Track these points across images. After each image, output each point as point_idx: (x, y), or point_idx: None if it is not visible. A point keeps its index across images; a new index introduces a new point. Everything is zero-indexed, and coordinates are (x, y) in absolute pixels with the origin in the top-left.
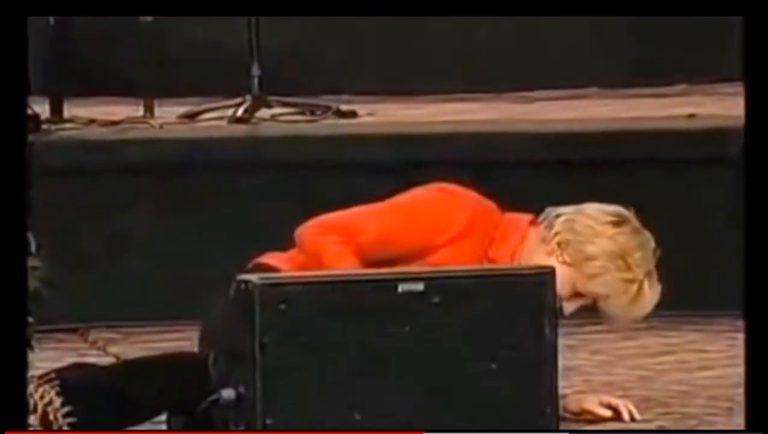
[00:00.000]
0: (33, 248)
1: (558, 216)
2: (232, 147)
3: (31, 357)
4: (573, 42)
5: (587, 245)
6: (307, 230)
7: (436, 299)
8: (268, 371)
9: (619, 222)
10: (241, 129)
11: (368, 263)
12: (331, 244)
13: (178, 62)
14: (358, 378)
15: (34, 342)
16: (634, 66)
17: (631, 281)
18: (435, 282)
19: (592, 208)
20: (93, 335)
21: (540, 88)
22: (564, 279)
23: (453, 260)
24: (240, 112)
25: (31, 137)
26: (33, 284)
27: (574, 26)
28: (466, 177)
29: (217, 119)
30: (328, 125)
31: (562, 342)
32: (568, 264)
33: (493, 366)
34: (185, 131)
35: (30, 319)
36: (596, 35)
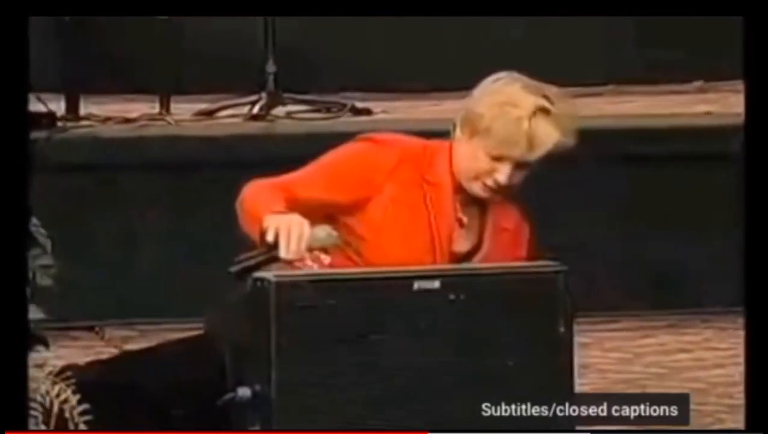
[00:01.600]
0: (47, 246)
1: (462, 110)
2: (248, 144)
3: (47, 354)
4: (588, 40)
5: (476, 107)
6: (243, 192)
7: (452, 297)
8: (284, 369)
9: (499, 78)
10: (256, 126)
11: (305, 212)
12: (262, 192)
13: (193, 60)
14: (375, 376)
15: (49, 340)
16: (650, 64)
17: (519, 119)
18: (451, 280)
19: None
20: (109, 332)
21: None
22: (475, 151)
23: (393, 197)
24: (256, 109)
25: (46, 134)
26: (46, 282)
27: (587, 24)
28: None
29: (233, 116)
30: (343, 122)
31: (576, 340)
32: (471, 135)
33: (510, 363)
34: (201, 128)
35: (45, 316)
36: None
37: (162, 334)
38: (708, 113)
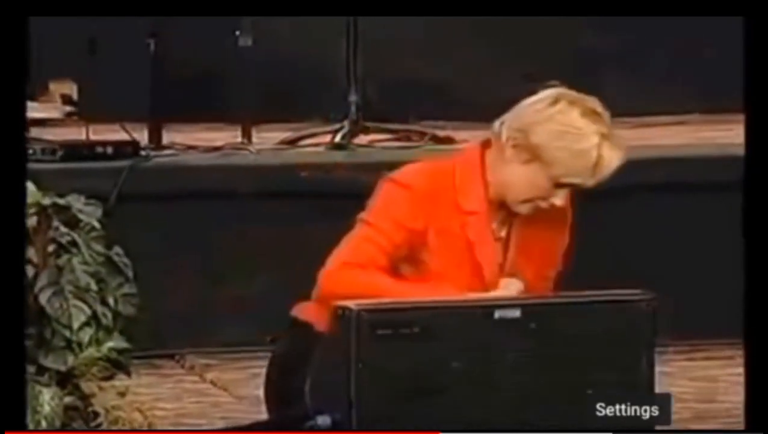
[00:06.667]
0: (130, 274)
1: (502, 123)
2: (331, 173)
3: (129, 382)
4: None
5: (532, 136)
6: (324, 281)
7: (533, 326)
8: (364, 398)
9: (553, 102)
10: (339, 155)
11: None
12: (357, 277)
13: (276, 88)
14: (455, 406)
15: (131, 369)
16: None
17: (587, 150)
18: (532, 308)
19: (526, 102)
20: (189, 361)
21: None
22: (534, 177)
23: (440, 234)
24: (338, 138)
25: (129, 163)
26: (129, 310)
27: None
28: None
29: (316, 145)
30: (425, 151)
31: (659, 369)
32: (529, 161)
33: (590, 392)
34: (284, 156)
35: (127, 345)
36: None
37: (242, 362)
38: None
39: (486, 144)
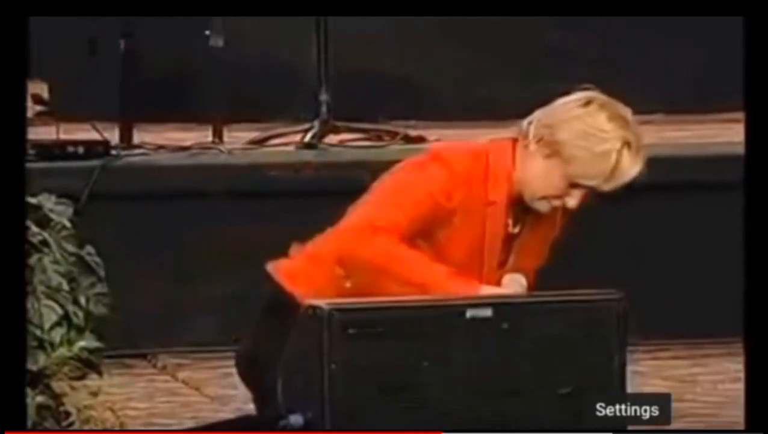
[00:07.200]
0: (102, 274)
1: (530, 121)
2: (300, 172)
3: (101, 382)
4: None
5: (558, 132)
6: (351, 236)
7: (504, 325)
8: (336, 397)
9: (584, 103)
10: (309, 154)
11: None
12: (402, 255)
13: (246, 88)
14: (427, 405)
15: (103, 368)
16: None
17: (607, 153)
18: (503, 308)
19: (559, 100)
20: (161, 360)
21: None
22: (551, 174)
23: (465, 217)
24: (308, 137)
25: (100, 163)
26: (101, 310)
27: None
28: None
29: (285, 144)
30: (396, 151)
31: (631, 368)
32: (549, 156)
33: (561, 391)
34: (254, 156)
35: (99, 345)
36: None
37: (215, 362)
38: None
39: (516, 139)
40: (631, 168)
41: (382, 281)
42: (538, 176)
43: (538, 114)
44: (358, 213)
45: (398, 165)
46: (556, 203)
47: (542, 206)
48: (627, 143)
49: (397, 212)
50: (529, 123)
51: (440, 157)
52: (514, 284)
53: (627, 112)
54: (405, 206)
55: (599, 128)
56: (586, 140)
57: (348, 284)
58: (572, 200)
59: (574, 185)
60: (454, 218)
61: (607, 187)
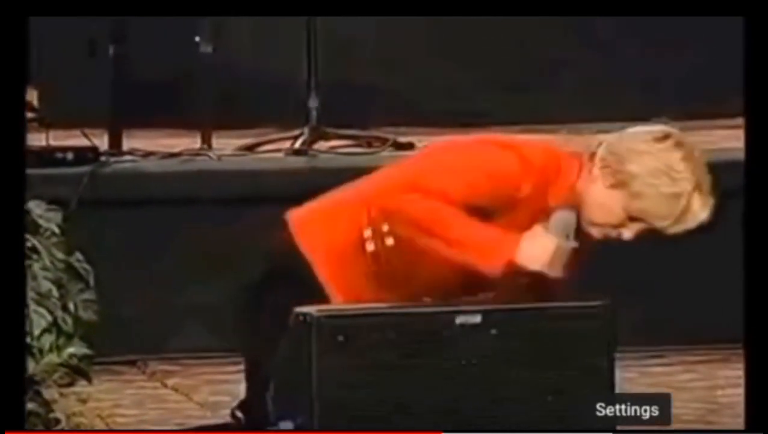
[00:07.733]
0: (90, 280)
1: (600, 144)
2: (290, 179)
3: (90, 389)
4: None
5: (628, 164)
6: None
7: (493, 332)
8: (326, 403)
9: (660, 138)
10: (298, 161)
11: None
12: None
13: (235, 94)
14: (415, 411)
15: (92, 374)
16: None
17: (678, 195)
18: (492, 315)
19: (632, 129)
20: (151, 367)
21: (602, 121)
22: (612, 203)
23: (524, 209)
24: (298, 144)
25: (90, 169)
26: (89, 316)
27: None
28: None
29: (275, 151)
30: (386, 157)
31: (620, 374)
32: (613, 187)
33: (550, 398)
34: (243, 162)
35: (88, 352)
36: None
37: (205, 368)
38: None
39: (581, 155)
40: (700, 212)
41: (423, 242)
42: (596, 203)
43: (609, 138)
44: (410, 175)
45: (446, 143)
46: (612, 232)
47: (595, 232)
48: (699, 186)
49: (459, 185)
50: (599, 144)
51: (513, 146)
52: (558, 223)
53: (701, 152)
54: (470, 182)
55: (673, 168)
56: (657, 178)
57: (390, 241)
58: (628, 233)
59: (634, 219)
60: (514, 211)
61: (673, 230)
